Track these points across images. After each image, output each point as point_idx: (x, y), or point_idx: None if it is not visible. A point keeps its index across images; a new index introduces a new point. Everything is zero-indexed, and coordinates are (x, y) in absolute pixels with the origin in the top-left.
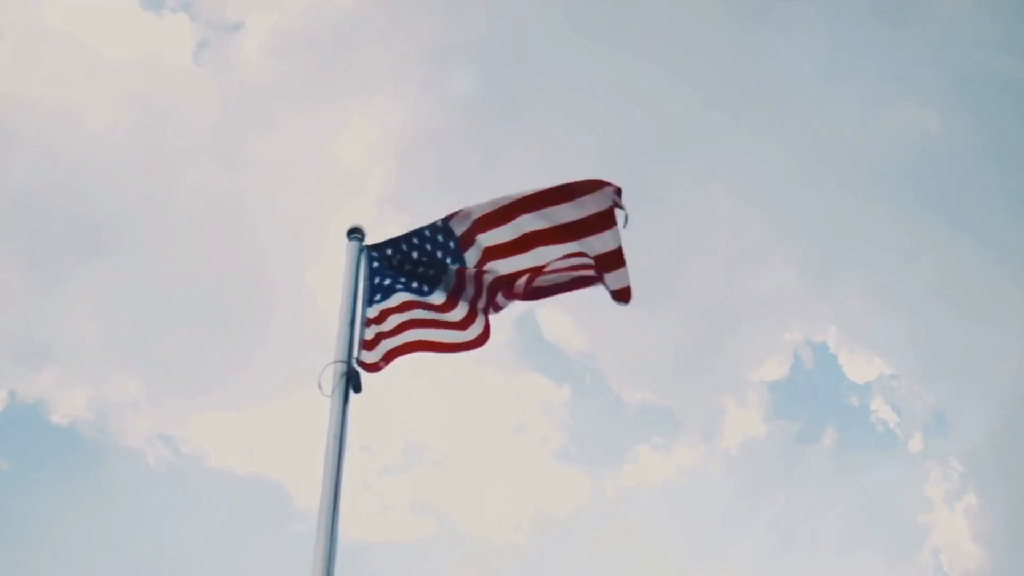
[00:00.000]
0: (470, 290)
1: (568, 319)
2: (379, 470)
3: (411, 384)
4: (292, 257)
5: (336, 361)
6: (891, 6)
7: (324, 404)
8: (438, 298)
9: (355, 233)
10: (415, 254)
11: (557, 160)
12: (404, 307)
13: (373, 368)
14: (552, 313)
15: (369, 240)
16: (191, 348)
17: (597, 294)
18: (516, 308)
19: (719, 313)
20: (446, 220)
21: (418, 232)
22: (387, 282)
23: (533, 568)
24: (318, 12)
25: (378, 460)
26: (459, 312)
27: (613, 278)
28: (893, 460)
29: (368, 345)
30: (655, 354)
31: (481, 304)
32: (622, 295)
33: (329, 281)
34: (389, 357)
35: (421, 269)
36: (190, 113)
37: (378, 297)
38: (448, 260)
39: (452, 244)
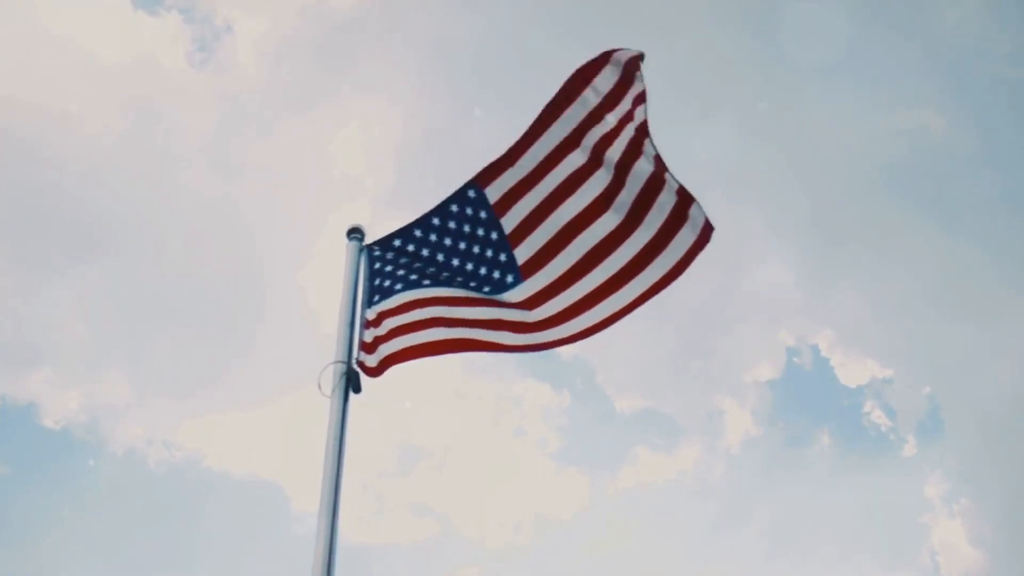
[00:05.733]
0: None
1: None
2: (378, 472)
3: (410, 387)
4: (289, 258)
5: (336, 362)
6: (892, 10)
7: (320, 406)
8: (451, 291)
9: (355, 233)
10: (427, 244)
11: None
12: (402, 308)
13: (372, 372)
14: None
15: (368, 240)
16: (186, 350)
17: None
18: None
19: (713, 315)
20: (476, 187)
21: (432, 215)
22: (387, 283)
23: (533, 570)
24: (314, 13)
25: (377, 462)
26: (486, 311)
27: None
28: (888, 463)
29: (367, 348)
30: (649, 356)
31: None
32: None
33: (326, 282)
34: (386, 364)
35: (431, 268)
36: (186, 115)
37: (376, 298)
38: (480, 231)
39: (484, 214)
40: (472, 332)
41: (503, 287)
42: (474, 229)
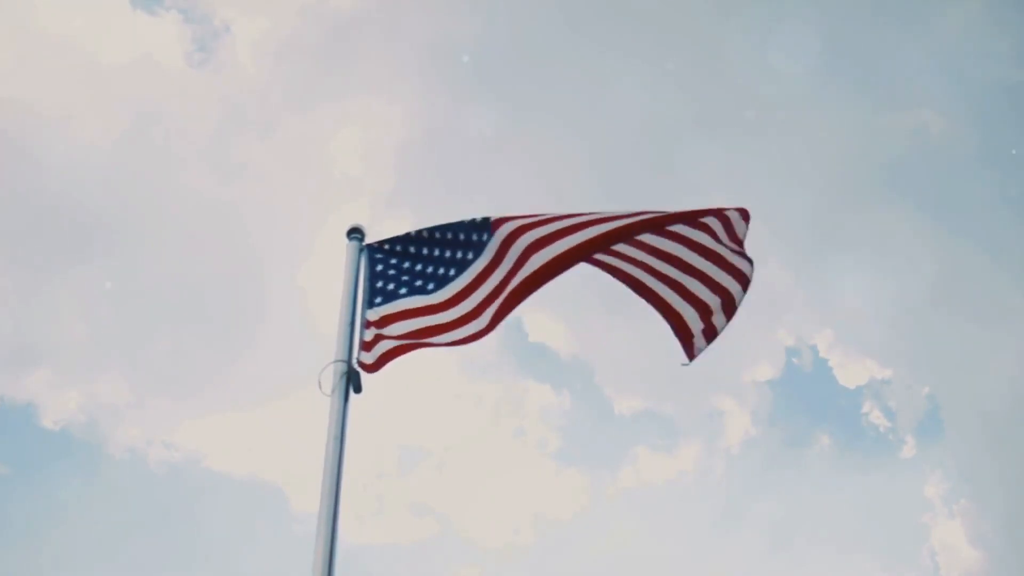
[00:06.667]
0: (493, 280)
1: (560, 323)
2: (378, 472)
3: (410, 387)
4: (289, 258)
5: (336, 361)
6: (893, 10)
7: (320, 406)
8: (442, 295)
9: (355, 233)
10: (424, 250)
11: (555, 161)
12: (407, 314)
13: (372, 368)
14: (543, 317)
15: (369, 240)
16: (186, 350)
17: (585, 293)
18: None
19: None
20: (489, 221)
21: (434, 229)
22: (391, 286)
23: (533, 570)
24: (314, 13)
25: (377, 462)
26: (465, 307)
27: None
28: (887, 463)
29: (368, 346)
30: (648, 357)
31: (500, 296)
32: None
33: (326, 282)
34: (387, 358)
35: (430, 268)
36: (185, 116)
37: (379, 300)
38: (471, 255)
39: (486, 236)
40: (461, 331)
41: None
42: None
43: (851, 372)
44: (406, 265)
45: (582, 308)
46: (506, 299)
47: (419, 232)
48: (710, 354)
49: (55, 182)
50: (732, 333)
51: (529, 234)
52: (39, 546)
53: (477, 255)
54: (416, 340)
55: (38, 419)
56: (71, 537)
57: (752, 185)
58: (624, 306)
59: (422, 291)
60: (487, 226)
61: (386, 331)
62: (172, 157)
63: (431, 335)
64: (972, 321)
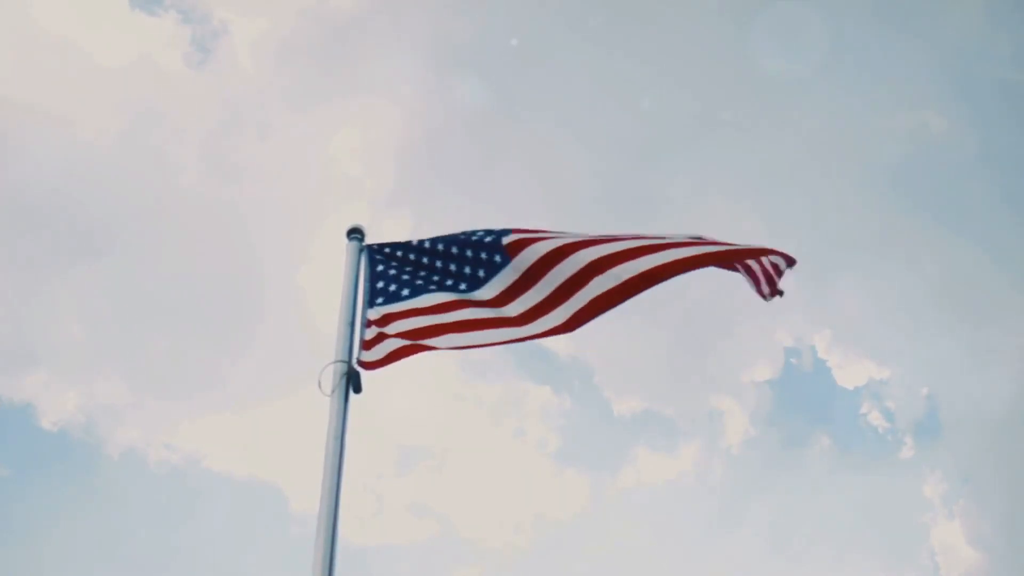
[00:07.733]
0: (534, 293)
1: None
2: (378, 473)
3: (410, 387)
4: (289, 259)
5: (336, 361)
6: (893, 11)
7: (320, 406)
8: (449, 296)
9: (355, 233)
10: (428, 257)
11: (556, 162)
12: (411, 313)
13: (375, 365)
14: None
15: (369, 241)
16: (184, 350)
17: None
18: None
19: (712, 315)
20: (495, 234)
21: (439, 240)
22: (392, 287)
23: (533, 570)
24: (313, 14)
25: (377, 463)
26: (519, 305)
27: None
28: (886, 464)
29: (369, 344)
30: (648, 357)
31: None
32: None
33: (326, 282)
34: (394, 357)
35: (436, 271)
36: (184, 116)
37: (380, 300)
38: (483, 272)
39: (498, 257)
40: (472, 333)
41: (478, 284)
42: (479, 263)
43: (850, 372)
44: (409, 267)
45: None
46: (587, 306)
47: (422, 241)
48: (710, 354)
49: (54, 182)
50: (731, 333)
51: (584, 253)
52: (39, 546)
53: (493, 274)
54: (422, 340)
55: (36, 420)
56: (71, 537)
57: (752, 185)
58: (624, 306)
59: (424, 291)
60: (500, 247)
61: (389, 328)
62: (171, 157)
63: (435, 335)
64: (972, 321)
